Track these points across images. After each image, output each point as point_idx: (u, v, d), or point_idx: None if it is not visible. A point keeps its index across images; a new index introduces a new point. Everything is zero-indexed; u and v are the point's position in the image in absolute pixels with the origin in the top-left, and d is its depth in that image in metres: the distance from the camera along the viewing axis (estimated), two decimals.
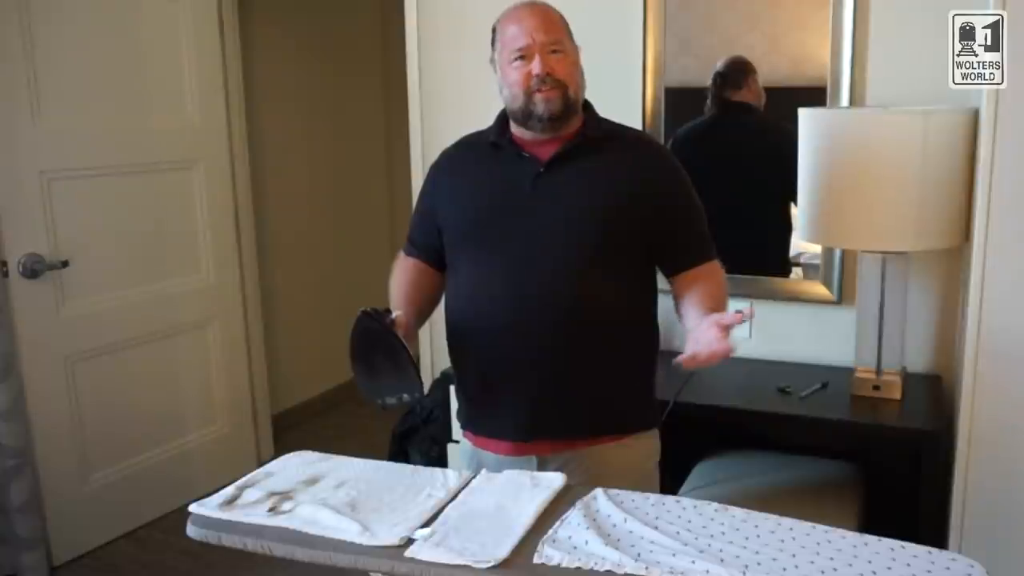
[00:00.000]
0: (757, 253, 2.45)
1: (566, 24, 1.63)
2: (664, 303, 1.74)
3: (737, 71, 2.36)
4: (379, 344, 1.49)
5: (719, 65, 2.38)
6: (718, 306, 1.58)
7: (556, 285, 1.58)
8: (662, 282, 1.72)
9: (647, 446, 1.73)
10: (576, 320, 1.59)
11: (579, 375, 1.62)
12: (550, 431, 1.65)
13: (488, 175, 1.67)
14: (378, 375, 1.50)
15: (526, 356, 1.61)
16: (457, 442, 2.44)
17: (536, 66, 1.55)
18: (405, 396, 1.51)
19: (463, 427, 1.78)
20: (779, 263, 2.45)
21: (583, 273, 1.59)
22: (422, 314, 1.73)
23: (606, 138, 1.65)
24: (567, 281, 1.58)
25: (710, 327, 1.44)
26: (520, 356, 1.61)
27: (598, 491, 1.42)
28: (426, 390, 2.64)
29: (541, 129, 1.60)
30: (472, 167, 1.71)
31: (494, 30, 1.65)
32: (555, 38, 1.58)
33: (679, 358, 1.44)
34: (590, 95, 1.69)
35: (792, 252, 2.44)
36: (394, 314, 1.53)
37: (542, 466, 1.65)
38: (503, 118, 1.69)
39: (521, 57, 1.57)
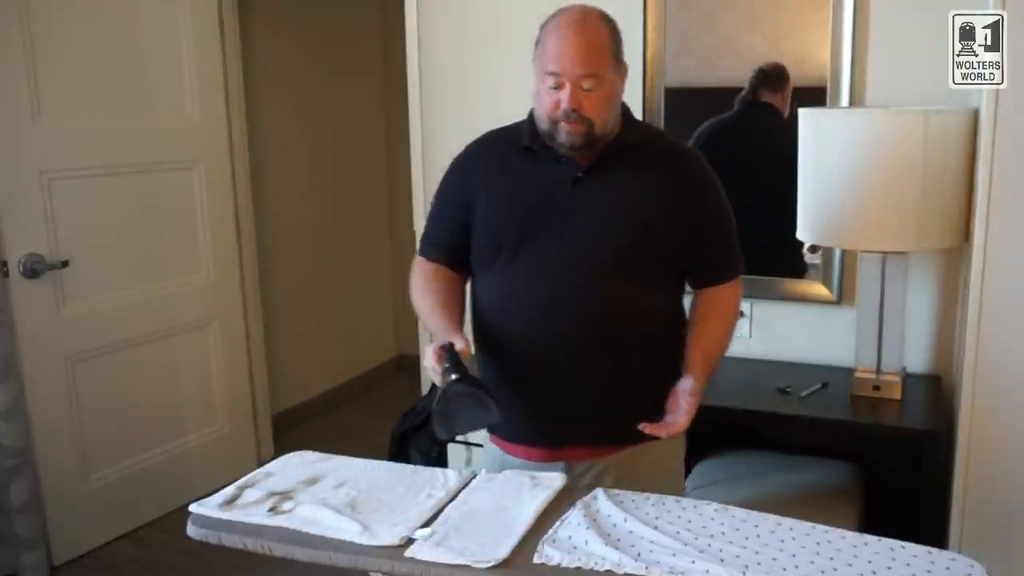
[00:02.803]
0: (770, 254, 2.44)
1: (614, 43, 1.54)
2: None
3: (779, 75, 2.36)
4: (467, 397, 1.46)
5: (763, 63, 2.36)
6: (713, 348, 1.62)
7: (591, 291, 1.55)
8: None
9: (674, 445, 1.70)
10: (609, 326, 1.56)
11: (611, 382, 1.59)
12: (581, 438, 1.62)
13: (528, 176, 1.61)
14: (456, 420, 1.48)
15: (559, 361, 1.57)
16: (456, 442, 2.45)
17: (564, 100, 1.49)
18: (483, 425, 1.54)
19: (490, 431, 1.73)
20: (792, 264, 2.43)
21: (617, 279, 1.56)
22: (462, 325, 1.66)
23: (643, 145, 1.61)
24: (602, 287, 1.55)
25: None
26: (553, 361, 1.58)
27: (598, 491, 1.42)
28: (424, 391, 2.63)
29: (563, 153, 1.56)
30: (509, 165, 1.64)
31: (541, 29, 1.56)
32: (592, 71, 1.49)
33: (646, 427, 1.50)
34: None
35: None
36: (458, 347, 1.49)
37: (570, 472, 1.61)
38: (534, 119, 1.62)
39: (554, 80, 1.51)
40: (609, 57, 1.52)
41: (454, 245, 1.69)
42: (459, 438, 1.64)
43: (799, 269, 2.43)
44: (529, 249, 1.58)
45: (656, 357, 1.63)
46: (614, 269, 1.56)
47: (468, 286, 1.74)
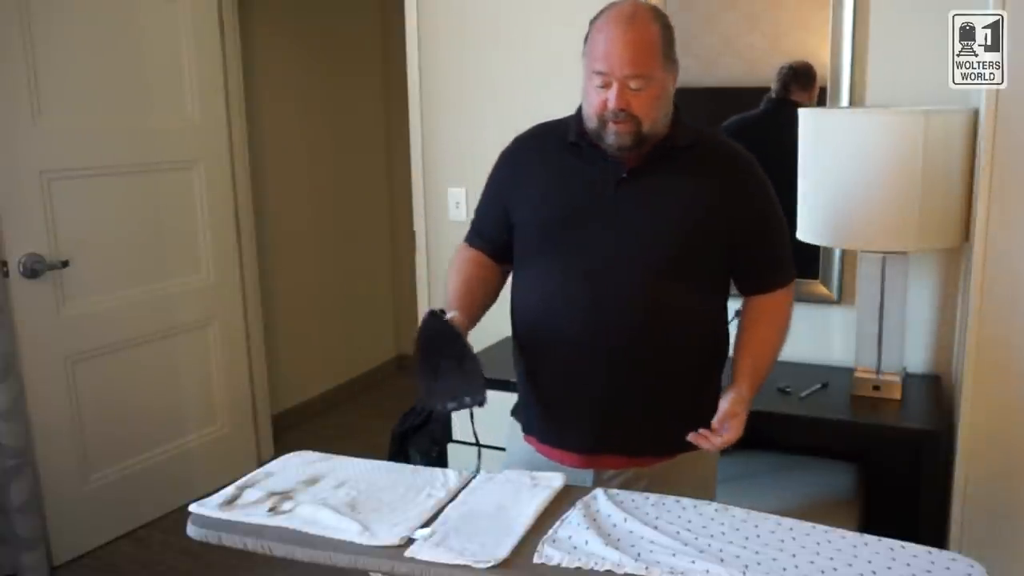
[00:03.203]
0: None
1: (665, 40, 1.49)
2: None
3: (807, 74, 2.35)
4: (446, 347, 1.44)
5: (792, 62, 2.36)
6: (764, 356, 1.61)
7: (635, 293, 1.52)
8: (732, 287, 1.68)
9: (710, 454, 1.66)
10: (652, 328, 1.53)
11: (653, 385, 1.56)
12: (619, 446, 1.59)
13: (571, 173, 1.59)
14: (439, 378, 1.46)
15: (600, 363, 1.54)
16: (457, 442, 2.45)
17: (611, 100, 1.46)
18: (467, 400, 1.46)
19: (525, 431, 1.69)
20: (808, 264, 2.38)
21: (661, 282, 1.53)
22: (480, 313, 1.64)
23: (692, 146, 1.57)
24: (646, 289, 1.53)
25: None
26: (594, 363, 1.55)
27: (598, 491, 1.42)
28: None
29: (611, 153, 1.53)
30: (554, 161, 1.61)
31: (590, 25, 1.51)
32: (640, 72, 1.45)
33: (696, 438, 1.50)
34: None
35: None
36: (449, 315, 1.48)
37: (598, 477, 1.59)
38: (581, 115, 1.58)
39: (601, 80, 1.47)
40: (659, 56, 1.47)
41: (496, 237, 1.69)
42: (481, 441, 1.61)
43: (815, 269, 2.40)
44: (571, 247, 1.56)
45: (699, 361, 1.61)
46: (659, 271, 1.53)
47: (509, 281, 1.71)
